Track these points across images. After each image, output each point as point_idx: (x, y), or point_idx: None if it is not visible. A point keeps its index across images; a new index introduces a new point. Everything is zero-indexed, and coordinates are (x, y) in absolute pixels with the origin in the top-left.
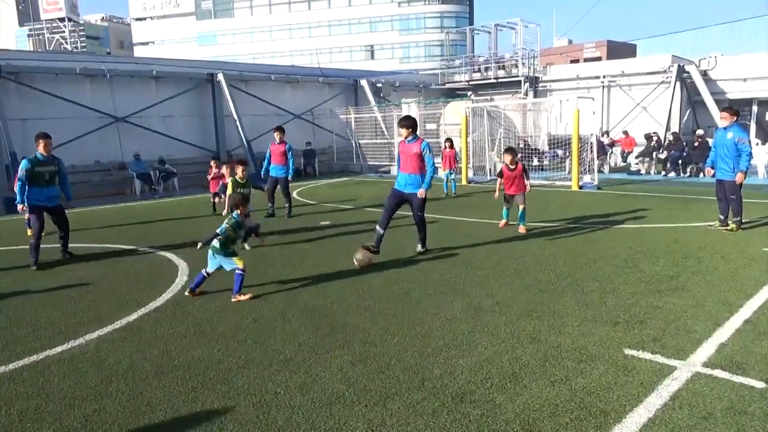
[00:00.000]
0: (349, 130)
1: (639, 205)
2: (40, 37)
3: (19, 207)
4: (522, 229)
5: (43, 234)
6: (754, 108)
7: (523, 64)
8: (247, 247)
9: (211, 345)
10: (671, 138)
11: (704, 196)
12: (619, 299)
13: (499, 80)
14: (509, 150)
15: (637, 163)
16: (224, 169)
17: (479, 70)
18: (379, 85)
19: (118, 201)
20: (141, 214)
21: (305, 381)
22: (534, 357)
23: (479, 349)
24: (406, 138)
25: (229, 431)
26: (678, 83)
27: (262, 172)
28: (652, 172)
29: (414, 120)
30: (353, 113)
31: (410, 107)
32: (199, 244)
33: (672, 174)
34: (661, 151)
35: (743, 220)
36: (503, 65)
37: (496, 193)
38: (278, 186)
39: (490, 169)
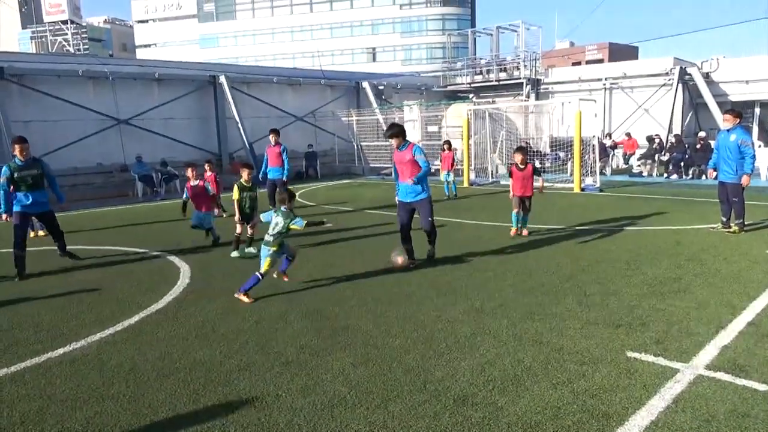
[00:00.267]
0: (351, 133)
1: (641, 207)
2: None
3: (3, 216)
4: (524, 232)
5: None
6: (757, 110)
7: (525, 66)
8: (253, 250)
9: (212, 347)
10: (673, 140)
11: (706, 198)
12: (621, 301)
13: (501, 82)
14: (520, 149)
15: (639, 166)
16: (189, 172)
17: (481, 73)
18: (381, 87)
19: (120, 203)
20: (143, 216)
21: (307, 383)
22: (536, 359)
23: (481, 351)
24: (397, 147)
25: None
26: (680, 85)
27: (260, 176)
28: (654, 174)
29: (400, 126)
30: (355, 115)
31: (412, 109)
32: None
33: (674, 176)
34: (663, 153)
35: (745, 223)
36: (505, 67)
37: (510, 194)
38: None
39: (491, 172)
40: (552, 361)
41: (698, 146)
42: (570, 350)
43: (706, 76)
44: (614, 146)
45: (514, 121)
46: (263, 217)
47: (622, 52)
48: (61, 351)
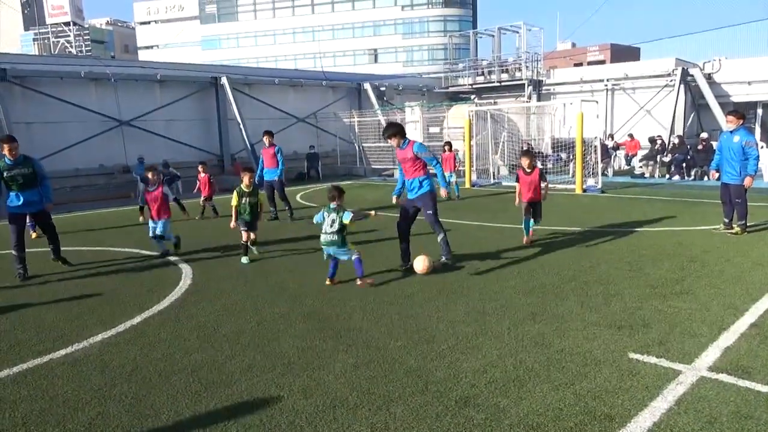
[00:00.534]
0: (353, 134)
1: (643, 208)
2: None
3: None
4: (529, 235)
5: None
6: (759, 111)
7: (527, 67)
8: (256, 251)
9: (214, 348)
10: (675, 141)
11: (709, 199)
12: (623, 303)
13: (503, 84)
14: (526, 153)
15: (641, 167)
16: (150, 175)
17: (483, 74)
18: (383, 88)
19: (122, 204)
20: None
21: (308, 384)
22: (538, 361)
23: (483, 352)
24: (398, 145)
25: None
26: (682, 86)
27: (256, 178)
28: (656, 175)
29: (396, 125)
30: (357, 117)
31: (413, 111)
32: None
33: (676, 177)
34: (665, 154)
35: (748, 224)
36: (507, 69)
37: (516, 201)
38: (274, 189)
39: (493, 173)
40: (554, 362)
41: (700, 147)
42: (572, 351)
43: (709, 77)
44: (616, 147)
45: (516, 123)
46: (315, 218)
47: (624, 53)
48: (63, 352)
